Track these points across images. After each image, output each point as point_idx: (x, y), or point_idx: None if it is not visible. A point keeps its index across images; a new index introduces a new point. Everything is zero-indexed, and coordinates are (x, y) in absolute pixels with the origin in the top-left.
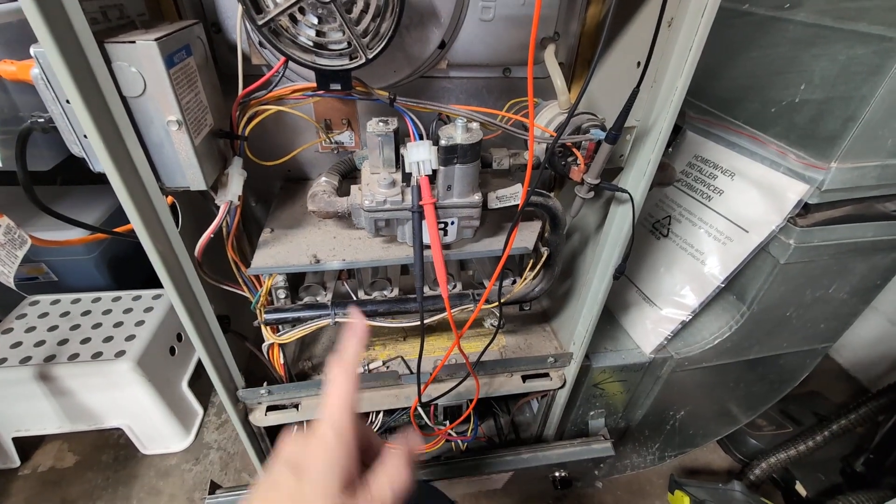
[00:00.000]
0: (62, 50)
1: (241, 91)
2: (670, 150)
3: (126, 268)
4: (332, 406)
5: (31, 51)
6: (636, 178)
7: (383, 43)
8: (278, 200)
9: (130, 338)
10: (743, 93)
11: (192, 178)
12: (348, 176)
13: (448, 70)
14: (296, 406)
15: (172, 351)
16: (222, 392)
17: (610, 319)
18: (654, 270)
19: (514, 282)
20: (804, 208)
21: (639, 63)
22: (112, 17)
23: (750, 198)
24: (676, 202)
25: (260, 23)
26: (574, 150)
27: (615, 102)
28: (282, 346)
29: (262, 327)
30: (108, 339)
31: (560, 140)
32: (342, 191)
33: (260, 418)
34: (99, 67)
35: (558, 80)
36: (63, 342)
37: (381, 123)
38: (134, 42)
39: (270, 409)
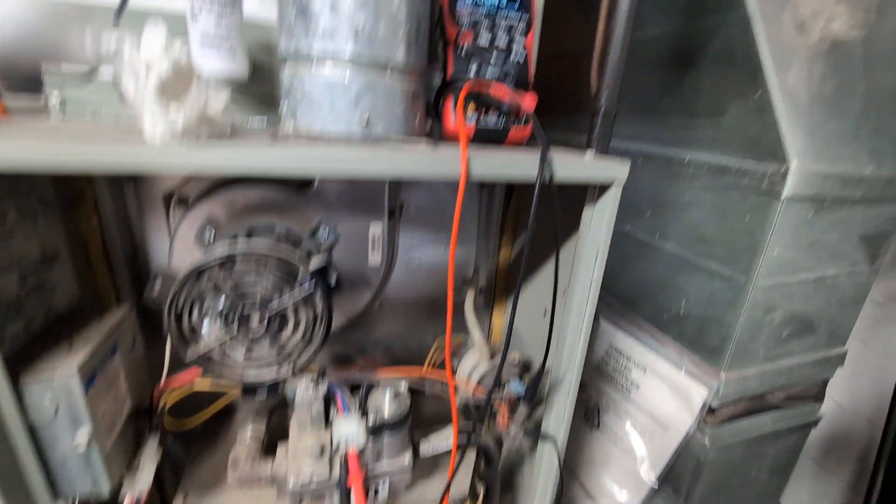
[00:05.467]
0: None
1: (163, 380)
2: None
3: None
4: None
5: None
6: (556, 421)
7: (313, 349)
8: (197, 449)
9: None
10: (640, 295)
11: (95, 483)
12: (278, 408)
13: (380, 311)
14: None
15: None
16: None
17: None
18: (592, 465)
19: None
20: (709, 409)
21: (545, 311)
22: (36, 326)
23: (662, 395)
24: (602, 389)
25: (189, 360)
26: (497, 403)
27: (533, 333)
28: None
29: None
30: None
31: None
32: (269, 442)
33: None
34: (4, 398)
35: (476, 333)
36: None
37: (310, 388)
38: (52, 379)
39: None
